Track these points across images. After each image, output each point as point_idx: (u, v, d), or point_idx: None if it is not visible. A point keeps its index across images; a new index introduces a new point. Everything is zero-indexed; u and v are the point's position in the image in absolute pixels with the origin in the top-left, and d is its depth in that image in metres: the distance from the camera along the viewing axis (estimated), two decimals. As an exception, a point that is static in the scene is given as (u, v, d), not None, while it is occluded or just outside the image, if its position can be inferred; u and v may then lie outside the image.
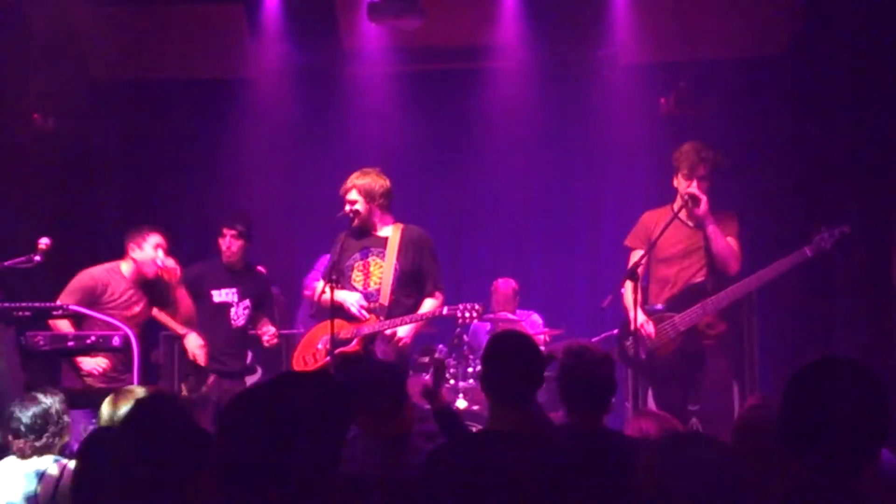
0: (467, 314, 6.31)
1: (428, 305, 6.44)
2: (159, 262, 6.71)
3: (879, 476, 3.03)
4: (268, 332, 7.19)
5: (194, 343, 6.88)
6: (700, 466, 2.19)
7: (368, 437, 4.13)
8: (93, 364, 6.46)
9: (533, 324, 8.72)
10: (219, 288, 7.15)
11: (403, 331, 6.35)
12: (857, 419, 2.37)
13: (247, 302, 7.21)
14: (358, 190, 6.43)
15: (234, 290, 7.18)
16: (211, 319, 7.11)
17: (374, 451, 4.07)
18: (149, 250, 6.72)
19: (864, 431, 2.38)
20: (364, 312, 6.32)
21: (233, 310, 7.17)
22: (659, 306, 6.34)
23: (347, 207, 6.44)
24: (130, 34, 8.70)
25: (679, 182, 6.39)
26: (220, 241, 7.19)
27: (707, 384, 6.29)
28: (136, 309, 6.74)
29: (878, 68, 7.21)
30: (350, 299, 6.34)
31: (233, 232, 7.15)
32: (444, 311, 6.37)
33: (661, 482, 2.19)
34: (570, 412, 4.05)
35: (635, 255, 6.41)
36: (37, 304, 5.67)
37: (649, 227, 6.45)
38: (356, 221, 6.46)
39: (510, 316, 8.60)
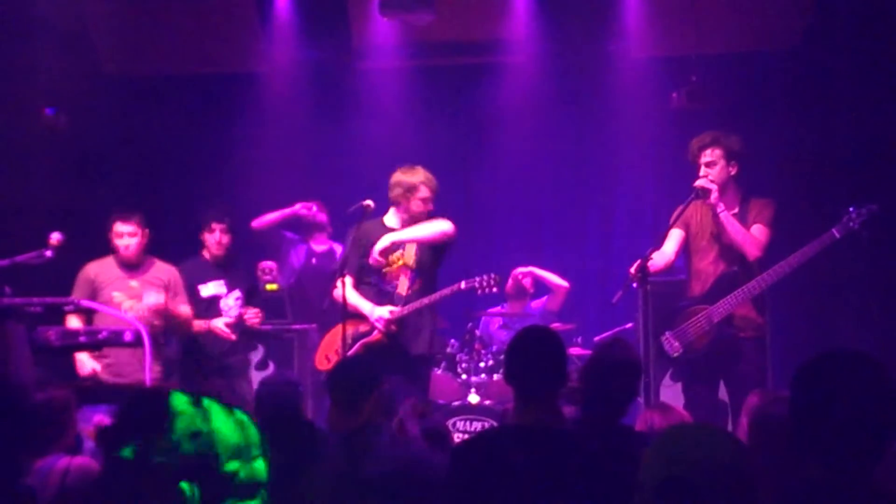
0: (486, 285, 6.37)
1: (435, 225, 6.54)
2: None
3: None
4: (247, 311, 7.09)
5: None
6: (704, 457, 2.16)
7: (333, 433, 4.15)
8: (83, 360, 6.46)
9: (544, 312, 8.72)
10: (205, 282, 7.15)
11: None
12: (866, 411, 2.35)
13: (237, 293, 7.19)
14: (431, 188, 6.55)
15: (221, 281, 7.18)
16: (203, 316, 7.09)
17: (337, 446, 4.07)
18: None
19: (874, 423, 2.36)
20: (380, 325, 6.39)
21: (223, 302, 7.16)
22: (695, 297, 6.32)
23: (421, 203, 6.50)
24: (140, 29, 8.72)
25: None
26: (208, 235, 7.19)
27: (741, 377, 6.24)
28: (134, 283, 6.80)
29: (887, 61, 7.19)
30: (378, 312, 6.40)
31: (222, 226, 7.17)
32: (463, 285, 6.44)
33: (663, 473, 2.16)
34: (585, 407, 4.02)
35: (671, 235, 6.35)
36: (48, 300, 5.66)
37: (686, 214, 6.39)
38: (425, 211, 6.53)
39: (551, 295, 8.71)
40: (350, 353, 6.35)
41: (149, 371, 5.84)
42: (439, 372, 7.94)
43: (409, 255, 6.51)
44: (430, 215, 6.56)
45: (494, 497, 3.42)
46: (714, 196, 6.17)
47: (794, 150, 8.26)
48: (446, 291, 6.45)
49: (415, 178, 6.51)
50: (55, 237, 6.08)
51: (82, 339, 5.79)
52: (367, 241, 6.49)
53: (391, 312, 6.40)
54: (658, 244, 6.18)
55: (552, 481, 3.38)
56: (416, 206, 6.51)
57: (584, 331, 8.35)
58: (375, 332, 6.38)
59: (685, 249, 6.44)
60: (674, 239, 6.34)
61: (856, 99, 7.64)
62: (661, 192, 8.92)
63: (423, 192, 6.49)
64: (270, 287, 8.18)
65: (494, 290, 6.65)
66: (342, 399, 4.14)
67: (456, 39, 9.16)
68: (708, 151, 6.27)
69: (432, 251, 6.54)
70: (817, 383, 2.42)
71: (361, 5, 8.74)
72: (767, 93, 8.49)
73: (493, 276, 6.45)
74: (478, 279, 6.44)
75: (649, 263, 5.86)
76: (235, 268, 7.30)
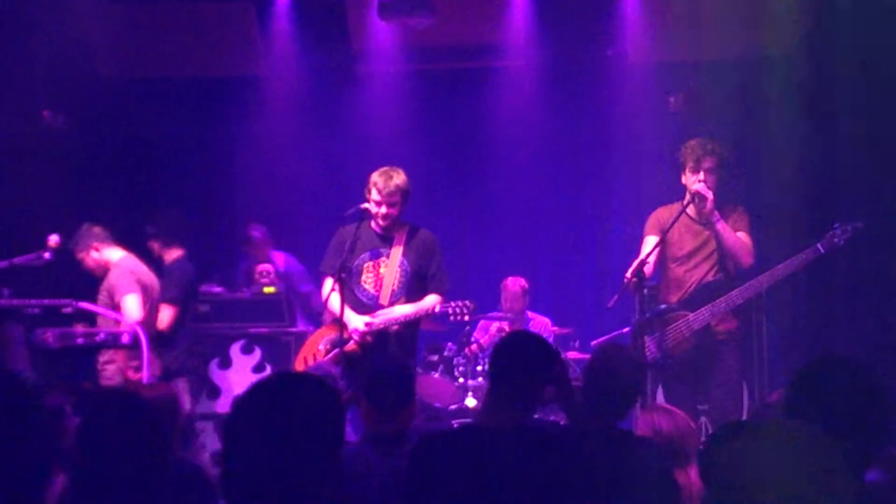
0: (458, 311, 6.29)
1: (427, 301, 6.42)
2: None
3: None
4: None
5: None
6: (779, 455, 2.07)
7: (371, 430, 4.16)
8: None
9: (543, 325, 8.70)
10: None
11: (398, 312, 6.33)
12: (857, 416, 2.36)
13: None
14: (403, 192, 6.36)
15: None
16: None
17: (376, 443, 4.09)
18: None
19: (865, 429, 2.37)
20: (356, 336, 6.32)
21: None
22: (673, 304, 6.32)
23: (384, 209, 6.31)
24: (139, 32, 8.73)
25: (686, 177, 6.36)
26: None
27: (718, 382, 6.28)
28: None
29: (885, 68, 7.21)
30: (354, 322, 6.33)
31: None
32: (437, 308, 6.35)
33: (725, 475, 2.07)
34: (585, 411, 4.01)
35: (648, 242, 6.34)
36: (45, 302, 5.68)
37: (663, 220, 6.40)
38: (385, 222, 6.37)
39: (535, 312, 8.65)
40: (325, 359, 6.34)
41: (146, 373, 5.86)
42: (436, 376, 7.95)
43: (394, 265, 6.42)
44: (398, 215, 6.44)
45: (456, 498, 3.42)
46: (710, 204, 6.19)
47: (791, 155, 8.26)
48: (421, 312, 6.36)
49: (372, 176, 6.42)
50: (53, 239, 6.10)
51: (79, 340, 5.79)
52: (354, 244, 6.43)
53: (367, 325, 6.32)
54: (660, 241, 6.18)
55: (512, 482, 3.37)
56: (372, 204, 6.39)
57: (581, 335, 8.36)
58: (352, 342, 6.35)
59: (661, 256, 6.42)
60: (650, 246, 6.31)
61: (853, 105, 7.65)
62: (658, 196, 8.92)
63: (373, 192, 6.34)
64: (268, 290, 8.19)
65: (466, 318, 6.53)
66: (385, 402, 4.15)
67: (455, 43, 9.18)
68: (709, 158, 6.26)
69: (417, 278, 6.48)
70: (810, 390, 2.43)
71: (361, 9, 8.76)
72: (764, 98, 8.50)
73: (467, 303, 6.34)
74: (451, 304, 6.33)
75: (645, 268, 5.88)
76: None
